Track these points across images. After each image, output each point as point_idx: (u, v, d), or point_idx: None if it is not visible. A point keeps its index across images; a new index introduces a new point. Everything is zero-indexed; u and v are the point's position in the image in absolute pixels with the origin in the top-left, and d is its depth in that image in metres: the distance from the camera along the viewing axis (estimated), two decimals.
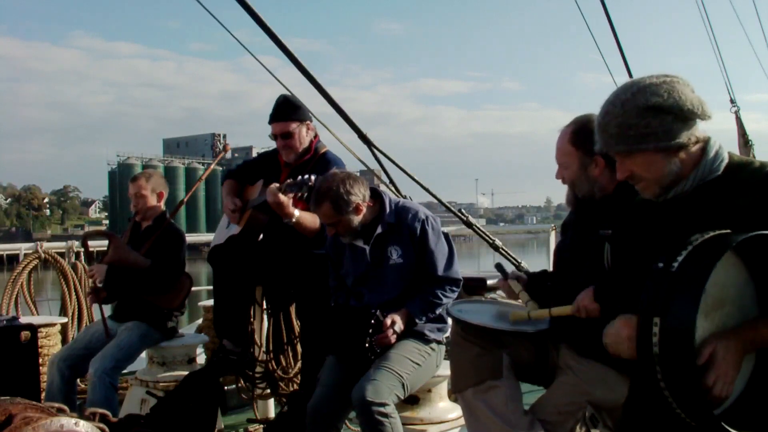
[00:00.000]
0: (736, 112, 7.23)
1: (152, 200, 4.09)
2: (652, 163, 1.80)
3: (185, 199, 5.24)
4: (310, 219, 3.41)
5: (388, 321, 2.91)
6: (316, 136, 3.75)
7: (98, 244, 4.78)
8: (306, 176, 3.22)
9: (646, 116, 1.76)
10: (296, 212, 3.36)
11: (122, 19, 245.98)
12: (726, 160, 1.81)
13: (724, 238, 1.60)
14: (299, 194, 3.28)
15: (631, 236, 1.97)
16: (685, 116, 1.76)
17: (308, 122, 3.69)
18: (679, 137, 1.76)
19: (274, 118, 3.64)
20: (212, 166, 5.70)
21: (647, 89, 1.77)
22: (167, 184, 4.30)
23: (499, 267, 2.81)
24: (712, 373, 1.56)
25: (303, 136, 3.65)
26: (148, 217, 4.11)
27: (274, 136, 3.66)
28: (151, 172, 4.26)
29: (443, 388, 3.36)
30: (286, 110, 3.63)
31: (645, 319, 1.56)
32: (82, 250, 5.66)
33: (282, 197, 3.28)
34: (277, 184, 3.32)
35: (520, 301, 2.59)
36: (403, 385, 2.85)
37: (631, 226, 1.98)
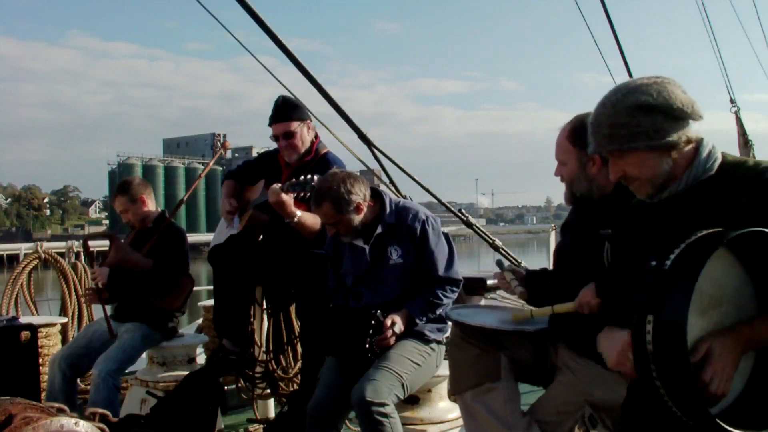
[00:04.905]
0: (736, 112, 7.23)
1: (137, 209, 4.05)
2: (644, 162, 1.81)
3: (183, 200, 5.22)
4: (311, 219, 3.41)
5: (388, 321, 2.91)
6: (317, 136, 3.74)
7: (99, 244, 4.78)
8: (309, 176, 3.21)
9: (636, 115, 1.78)
10: (298, 212, 3.36)
11: (118, 19, 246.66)
12: (719, 160, 1.83)
13: (716, 236, 1.60)
14: (301, 194, 3.27)
15: (628, 238, 1.97)
16: (675, 115, 1.77)
17: (309, 122, 3.68)
18: (669, 136, 1.78)
19: (274, 119, 3.63)
20: (210, 164, 5.67)
21: (637, 89, 1.79)
22: (148, 184, 4.24)
23: (498, 263, 2.82)
24: (708, 370, 1.55)
25: (305, 135, 3.64)
26: (146, 222, 4.10)
27: (276, 137, 3.65)
28: (124, 184, 4.12)
29: (443, 388, 3.36)
30: (287, 110, 3.62)
31: (639, 318, 1.56)
32: (83, 251, 5.67)
33: (284, 197, 3.28)
34: (280, 184, 3.32)
35: (515, 294, 2.60)
36: (402, 385, 2.85)
37: (628, 227, 1.99)
